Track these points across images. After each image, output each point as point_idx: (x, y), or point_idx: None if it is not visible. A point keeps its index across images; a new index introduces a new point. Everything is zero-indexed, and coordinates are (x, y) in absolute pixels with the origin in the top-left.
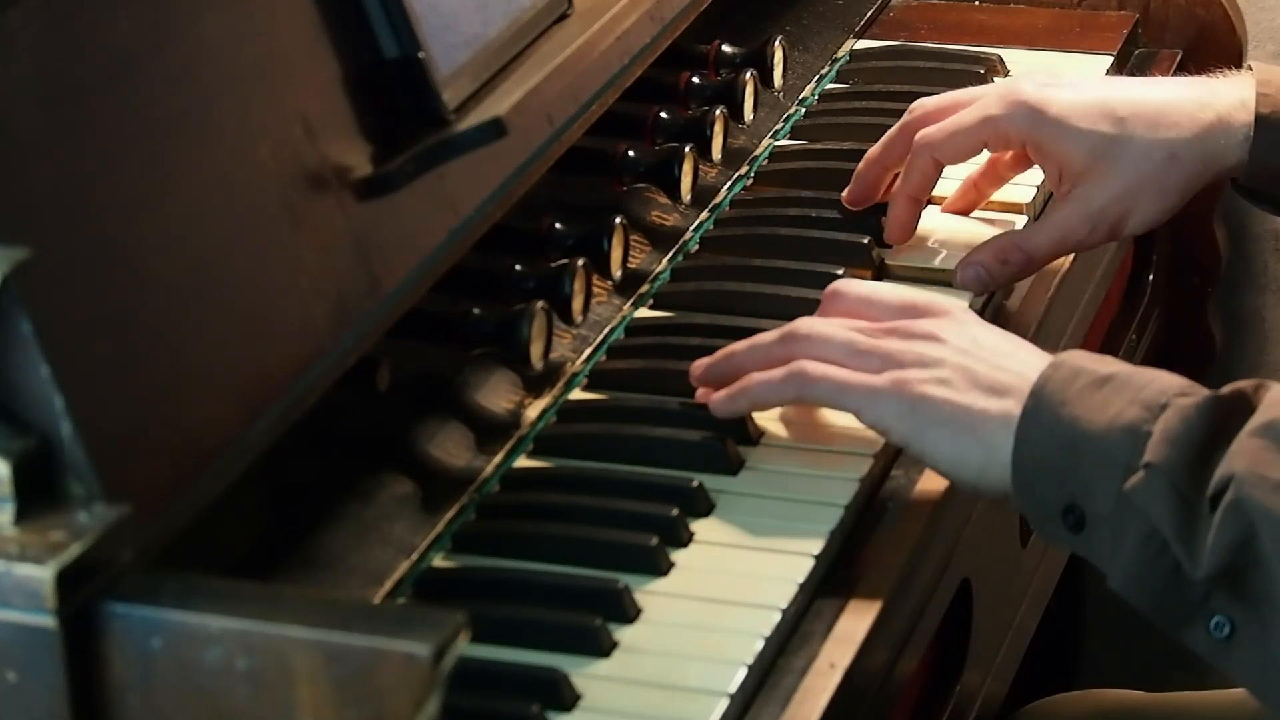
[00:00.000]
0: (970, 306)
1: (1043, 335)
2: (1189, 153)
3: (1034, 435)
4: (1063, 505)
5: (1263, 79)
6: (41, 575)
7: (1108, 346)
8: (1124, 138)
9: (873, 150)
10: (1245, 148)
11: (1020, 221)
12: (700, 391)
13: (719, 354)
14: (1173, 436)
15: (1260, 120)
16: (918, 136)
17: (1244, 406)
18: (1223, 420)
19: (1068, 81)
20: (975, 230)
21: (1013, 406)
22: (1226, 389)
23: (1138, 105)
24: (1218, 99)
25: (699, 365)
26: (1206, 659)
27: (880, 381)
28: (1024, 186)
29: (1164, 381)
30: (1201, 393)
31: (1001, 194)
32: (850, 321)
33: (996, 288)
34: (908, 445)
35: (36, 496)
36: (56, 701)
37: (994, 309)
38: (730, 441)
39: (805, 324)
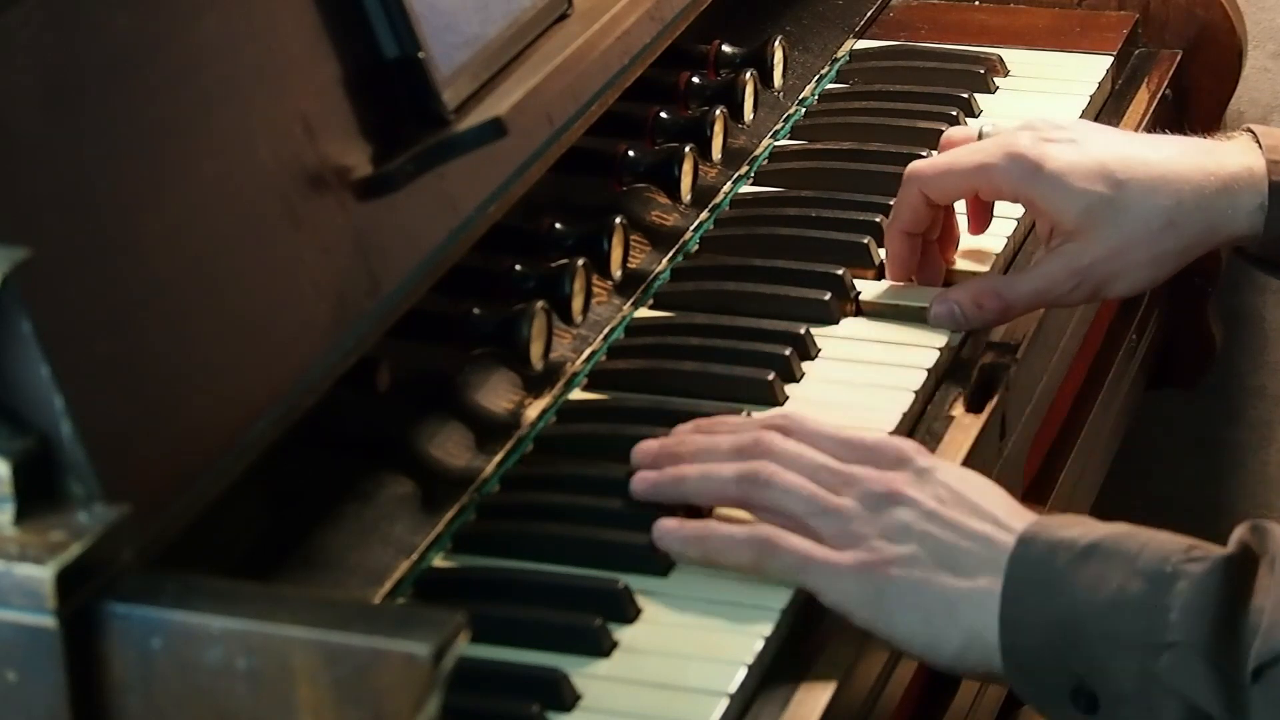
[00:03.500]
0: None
1: (1043, 335)
2: (1189, 221)
3: (1023, 618)
4: (1070, 688)
5: (1270, 144)
6: (41, 575)
7: (1108, 346)
8: (1120, 201)
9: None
10: (1255, 218)
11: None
12: (638, 476)
13: (669, 476)
14: (1195, 610)
15: (1275, 189)
16: (909, 168)
17: (1251, 558)
18: (1238, 582)
19: (1068, 136)
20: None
21: (985, 583)
22: (1231, 544)
23: (1137, 169)
24: (1223, 167)
25: (646, 481)
26: None
27: (843, 559)
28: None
29: (1158, 545)
30: (1206, 555)
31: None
32: (813, 457)
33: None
34: (873, 629)
35: (36, 496)
36: (56, 701)
37: None
38: None
39: (765, 468)
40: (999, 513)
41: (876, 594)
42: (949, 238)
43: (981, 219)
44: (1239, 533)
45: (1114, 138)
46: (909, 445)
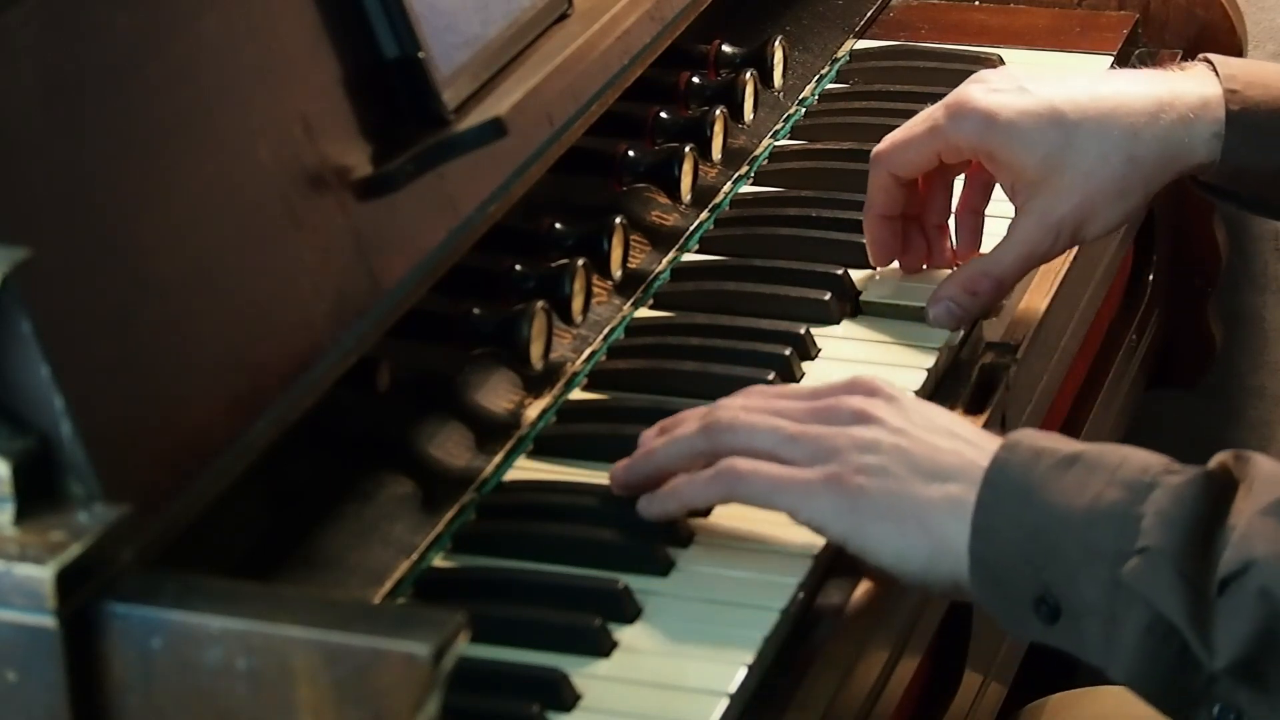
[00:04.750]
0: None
1: (1043, 335)
2: (1148, 154)
3: (996, 524)
4: (1033, 597)
5: (1227, 74)
6: (41, 575)
7: (1108, 346)
8: (1077, 143)
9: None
10: (1211, 146)
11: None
12: (614, 469)
13: (638, 454)
14: (1168, 518)
15: (1231, 118)
16: (873, 152)
17: (1229, 481)
18: (1215, 497)
19: (1016, 85)
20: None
21: (958, 491)
22: (1212, 463)
23: (1088, 107)
24: (1178, 98)
25: (619, 469)
26: None
27: (814, 475)
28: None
29: (1139, 459)
30: (1186, 469)
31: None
32: (774, 403)
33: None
34: (846, 542)
35: (36, 496)
36: (56, 701)
37: (994, 308)
38: None
39: (726, 413)
40: (970, 435)
41: (849, 506)
42: (940, 248)
43: (970, 233)
44: (1221, 456)
45: (1068, 79)
46: (876, 379)
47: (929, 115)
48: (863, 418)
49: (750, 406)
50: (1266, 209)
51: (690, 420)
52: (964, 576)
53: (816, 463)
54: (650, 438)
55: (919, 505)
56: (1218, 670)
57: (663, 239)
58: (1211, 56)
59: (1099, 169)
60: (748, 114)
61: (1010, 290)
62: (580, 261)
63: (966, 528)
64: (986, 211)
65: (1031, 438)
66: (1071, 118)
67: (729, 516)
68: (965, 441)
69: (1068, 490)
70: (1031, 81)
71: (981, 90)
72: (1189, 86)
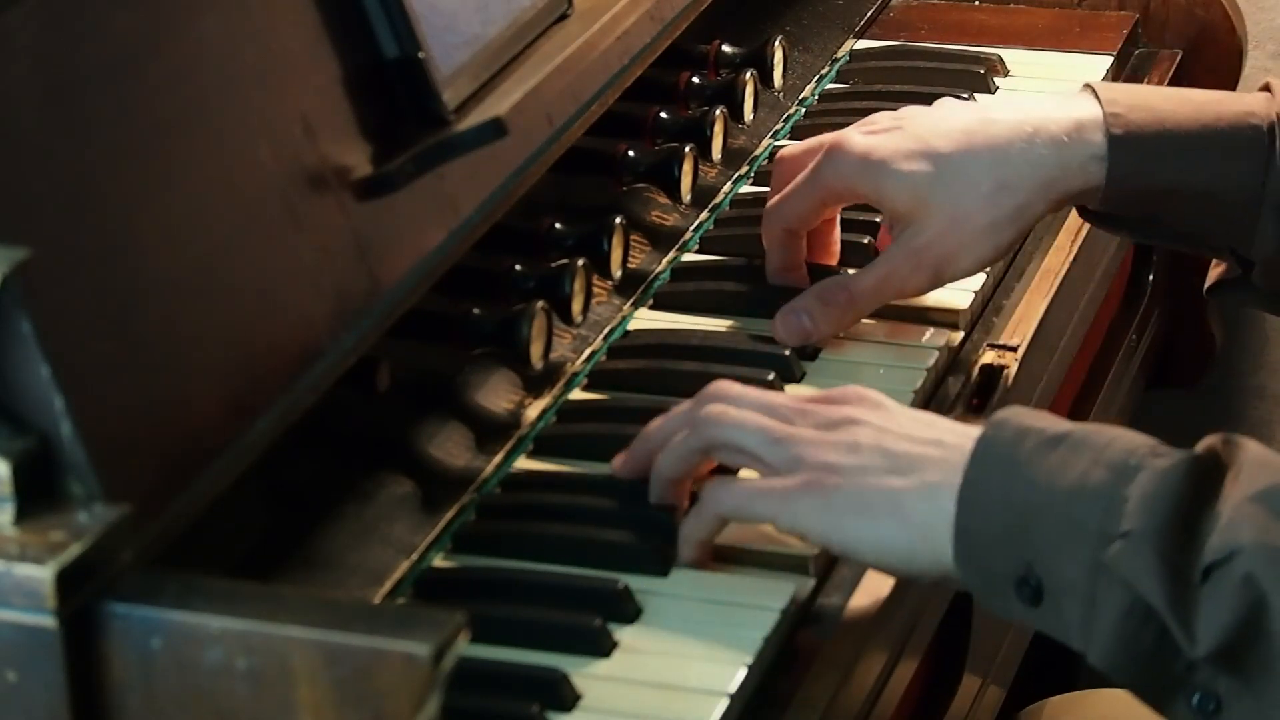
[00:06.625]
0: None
1: (1043, 335)
2: (1020, 179)
3: (982, 499)
4: (1016, 576)
5: (1108, 98)
6: (41, 575)
7: (1108, 346)
8: (946, 173)
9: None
10: (1090, 169)
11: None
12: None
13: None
14: (1152, 502)
15: (1115, 141)
16: (765, 210)
17: (1218, 465)
18: (1201, 482)
19: (894, 124)
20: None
21: (935, 478)
22: (1200, 447)
23: (958, 138)
24: (1051, 121)
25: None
26: None
27: (793, 483)
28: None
29: (1127, 440)
30: (1172, 452)
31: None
32: (763, 397)
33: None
34: (828, 543)
35: (36, 496)
36: (56, 701)
37: (994, 308)
38: None
39: (716, 407)
40: (953, 430)
41: (825, 505)
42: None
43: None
44: (1210, 440)
45: (940, 113)
46: (865, 389)
47: (813, 164)
48: (847, 421)
49: (740, 400)
50: (1157, 233)
51: (681, 421)
52: (947, 562)
53: (796, 470)
54: (646, 435)
55: (893, 496)
56: (1198, 658)
57: (663, 239)
58: (1093, 83)
59: (969, 197)
60: (748, 114)
61: (862, 313)
62: (580, 261)
63: (944, 513)
64: None
65: (1019, 415)
66: (942, 149)
67: None
68: (946, 435)
69: (1053, 469)
70: (911, 120)
71: (859, 132)
72: (1063, 112)
